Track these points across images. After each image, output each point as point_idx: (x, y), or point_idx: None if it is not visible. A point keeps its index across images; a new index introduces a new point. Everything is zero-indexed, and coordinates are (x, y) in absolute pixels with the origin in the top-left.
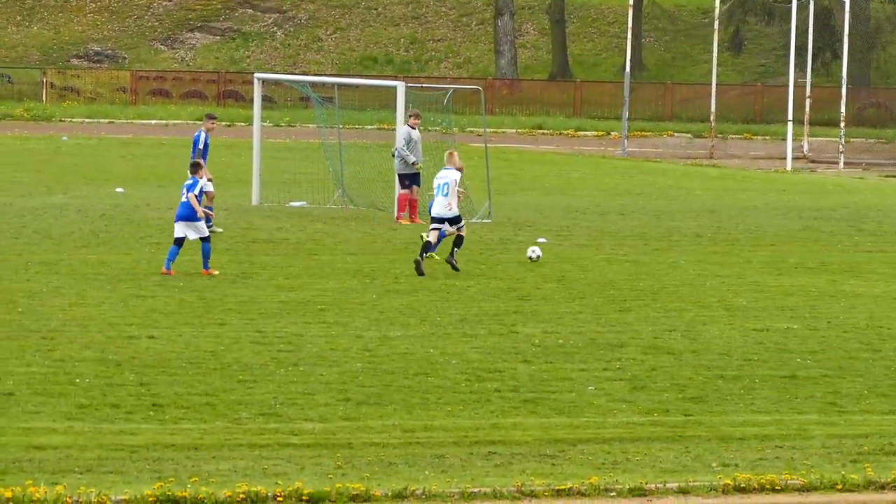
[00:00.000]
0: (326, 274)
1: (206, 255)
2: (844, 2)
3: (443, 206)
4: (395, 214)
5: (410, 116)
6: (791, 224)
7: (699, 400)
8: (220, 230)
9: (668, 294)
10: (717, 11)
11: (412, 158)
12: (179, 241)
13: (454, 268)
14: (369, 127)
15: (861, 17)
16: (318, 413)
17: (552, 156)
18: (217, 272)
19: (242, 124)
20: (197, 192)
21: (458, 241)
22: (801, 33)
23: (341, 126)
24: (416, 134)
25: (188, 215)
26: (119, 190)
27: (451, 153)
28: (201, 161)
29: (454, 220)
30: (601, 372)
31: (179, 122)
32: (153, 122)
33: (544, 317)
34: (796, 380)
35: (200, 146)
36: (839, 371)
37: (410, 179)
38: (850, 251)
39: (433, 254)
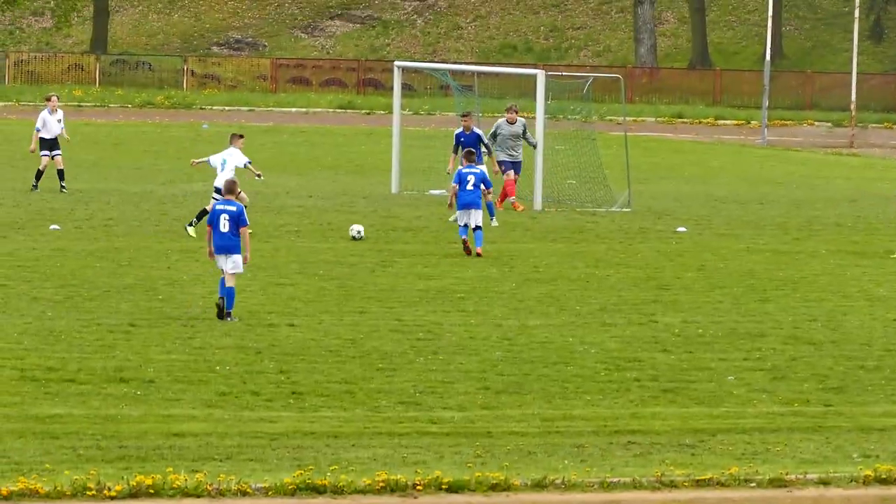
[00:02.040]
0: (466, 262)
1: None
2: None
3: None
4: (511, 201)
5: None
6: None
7: (839, 390)
8: None
9: (808, 284)
10: (857, 0)
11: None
12: None
13: None
14: None
15: None
16: (458, 402)
17: (692, 144)
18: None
19: (382, 112)
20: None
21: None
22: None
23: (481, 114)
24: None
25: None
26: (259, 177)
27: None
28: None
29: None
30: (741, 362)
31: (319, 110)
32: (293, 109)
33: (684, 306)
34: None
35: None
36: None
37: (508, 166)
38: None
39: None
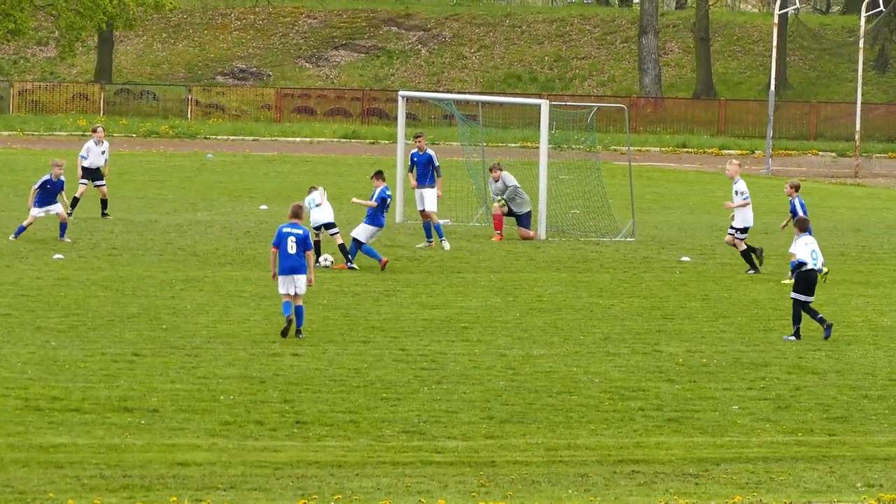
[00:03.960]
0: (470, 292)
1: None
2: None
3: None
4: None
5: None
6: None
7: (843, 420)
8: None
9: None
10: (861, 30)
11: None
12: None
13: None
14: (513, 145)
15: None
16: (462, 431)
17: (696, 174)
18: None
19: (386, 142)
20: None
21: None
22: None
23: (485, 144)
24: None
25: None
26: (263, 207)
27: None
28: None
29: None
30: (745, 391)
31: (324, 139)
32: (297, 139)
33: (688, 336)
34: None
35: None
36: None
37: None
38: None
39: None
